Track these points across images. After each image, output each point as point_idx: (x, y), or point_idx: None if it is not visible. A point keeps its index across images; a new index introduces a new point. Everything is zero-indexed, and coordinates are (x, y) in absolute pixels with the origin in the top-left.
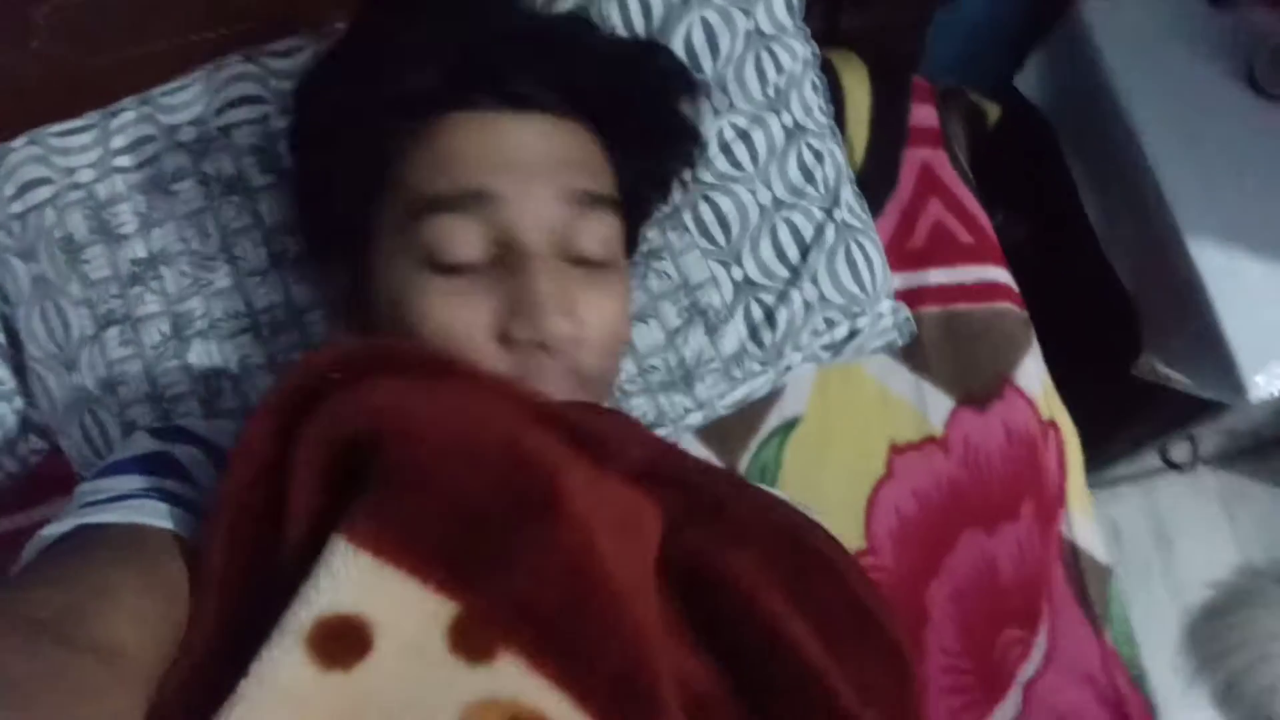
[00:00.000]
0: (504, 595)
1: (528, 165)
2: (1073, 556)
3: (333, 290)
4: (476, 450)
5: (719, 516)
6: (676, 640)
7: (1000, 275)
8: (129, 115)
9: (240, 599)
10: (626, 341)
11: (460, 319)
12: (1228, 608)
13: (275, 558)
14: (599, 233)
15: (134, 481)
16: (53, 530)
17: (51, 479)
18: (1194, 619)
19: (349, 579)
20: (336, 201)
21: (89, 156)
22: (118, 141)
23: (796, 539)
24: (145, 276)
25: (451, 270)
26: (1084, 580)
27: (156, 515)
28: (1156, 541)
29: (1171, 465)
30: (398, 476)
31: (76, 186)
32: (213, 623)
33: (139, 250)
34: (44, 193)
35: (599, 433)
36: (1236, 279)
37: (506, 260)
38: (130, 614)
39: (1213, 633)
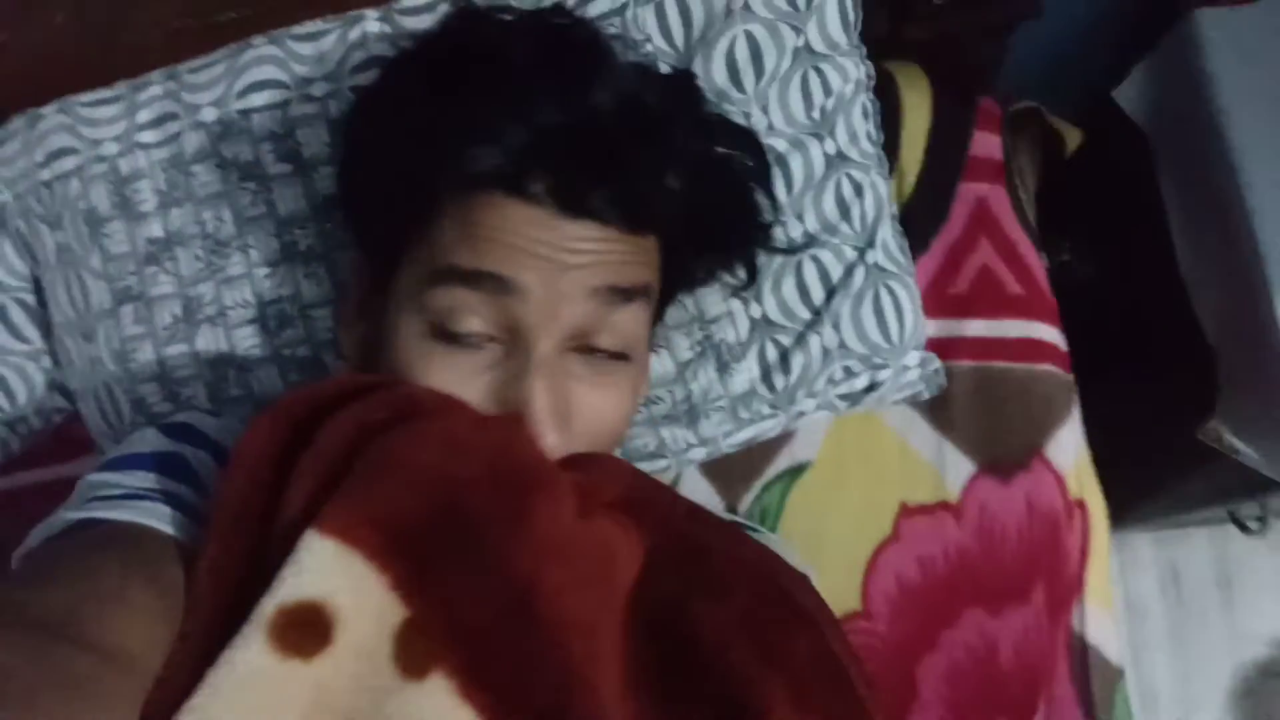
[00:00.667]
0: (446, 606)
1: (562, 263)
2: (1081, 652)
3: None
4: (466, 445)
5: (700, 563)
6: (642, 690)
7: (1048, 334)
8: (155, 90)
9: (235, 596)
10: (620, 431)
11: (455, 394)
12: None
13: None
14: (622, 328)
15: (144, 479)
16: (62, 517)
17: (76, 439)
18: (1249, 675)
19: (312, 564)
20: (367, 231)
21: (114, 129)
22: (143, 116)
23: (778, 591)
24: (161, 257)
25: (455, 341)
26: (1089, 679)
27: (164, 519)
28: (1219, 589)
29: (1240, 526)
30: (377, 461)
31: (101, 159)
32: (207, 619)
33: (156, 230)
34: (70, 163)
35: (585, 467)
36: None
37: (511, 350)
38: (133, 615)
39: (1267, 693)
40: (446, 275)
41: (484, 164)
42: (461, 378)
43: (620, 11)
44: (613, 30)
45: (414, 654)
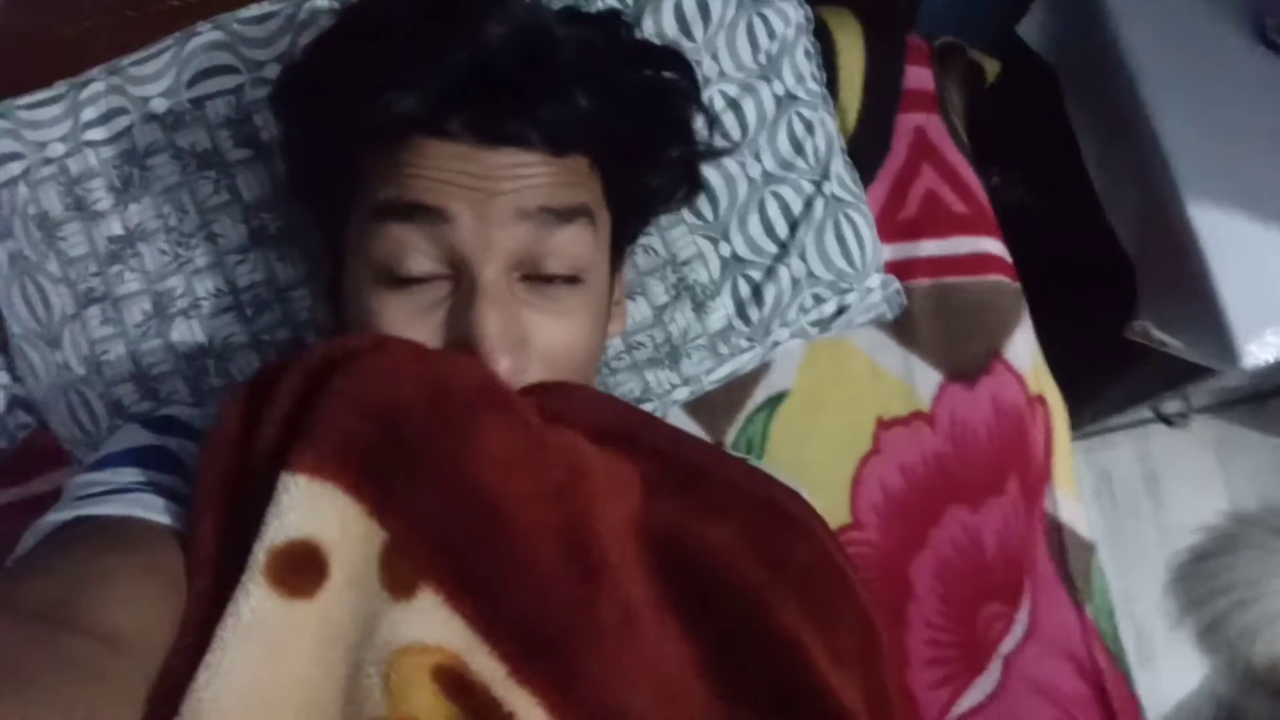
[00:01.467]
0: (419, 523)
1: (487, 189)
2: (1056, 532)
3: (311, 267)
4: (405, 372)
5: (696, 485)
6: (655, 617)
7: (994, 246)
8: (98, 86)
9: (231, 575)
10: (585, 358)
11: (408, 333)
12: (1214, 552)
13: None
14: (566, 250)
15: (130, 474)
16: (51, 519)
17: (42, 454)
18: (1181, 562)
19: (291, 503)
20: (316, 202)
21: (59, 130)
22: (88, 114)
23: (773, 505)
24: (124, 254)
25: (404, 284)
26: (1067, 556)
27: (152, 509)
28: (1148, 487)
29: (1164, 420)
30: (330, 398)
31: (48, 161)
32: (207, 601)
33: (116, 227)
34: (15, 168)
35: (563, 396)
36: (1235, 244)
37: (459, 283)
38: (127, 600)
39: (1198, 576)
40: (381, 214)
41: (399, 109)
42: (413, 316)
43: None
44: None
45: (399, 573)
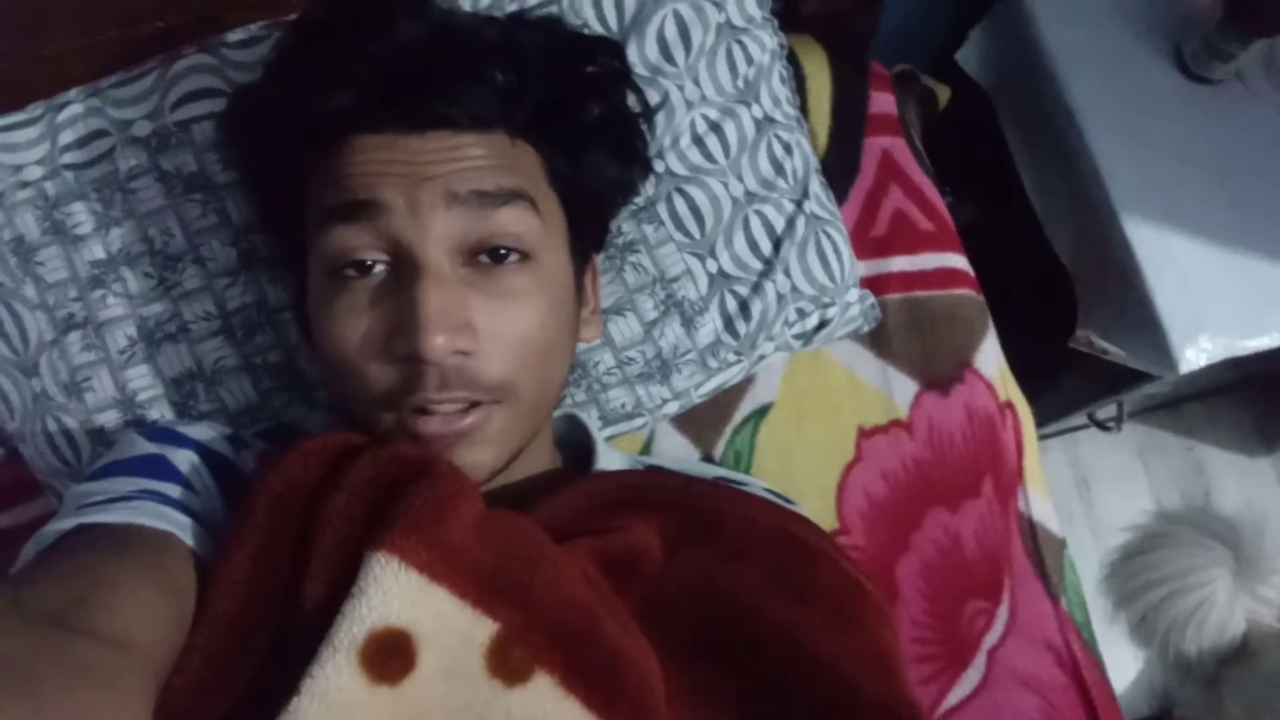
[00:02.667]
0: (535, 615)
1: (417, 174)
2: (1030, 530)
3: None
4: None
5: (714, 533)
6: (697, 663)
7: (959, 262)
8: (76, 109)
9: (257, 606)
10: (543, 349)
11: (354, 334)
12: (1143, 549)
13: (295, 575)
14: (507, 229)
15: (131, 483)
16: (53, 528)
17: (12, 487)
18: (1113, 561)
19: (399, 594)
20: (273, 218)
21: (35, 153)
22: (66, 137)
23: (787, 536)
24: (106, 279)
25: (352, 283)
26: (1041, 552)
27: (155, 517)
28: (1078, 490)
29: (1099, 425)
30: (435, 504)
31: (24, 185)
32: (225, 625)
33: (97, 251)
34: None
35: (566, 494)
36: (1168, 256)
37: (402, 274)
38: (134, 604)
39: (1129, 571)
40: (324, 220)
41: (328, 106)
42: (362, 309)
43: (560, 4)
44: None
45: (513, 661)
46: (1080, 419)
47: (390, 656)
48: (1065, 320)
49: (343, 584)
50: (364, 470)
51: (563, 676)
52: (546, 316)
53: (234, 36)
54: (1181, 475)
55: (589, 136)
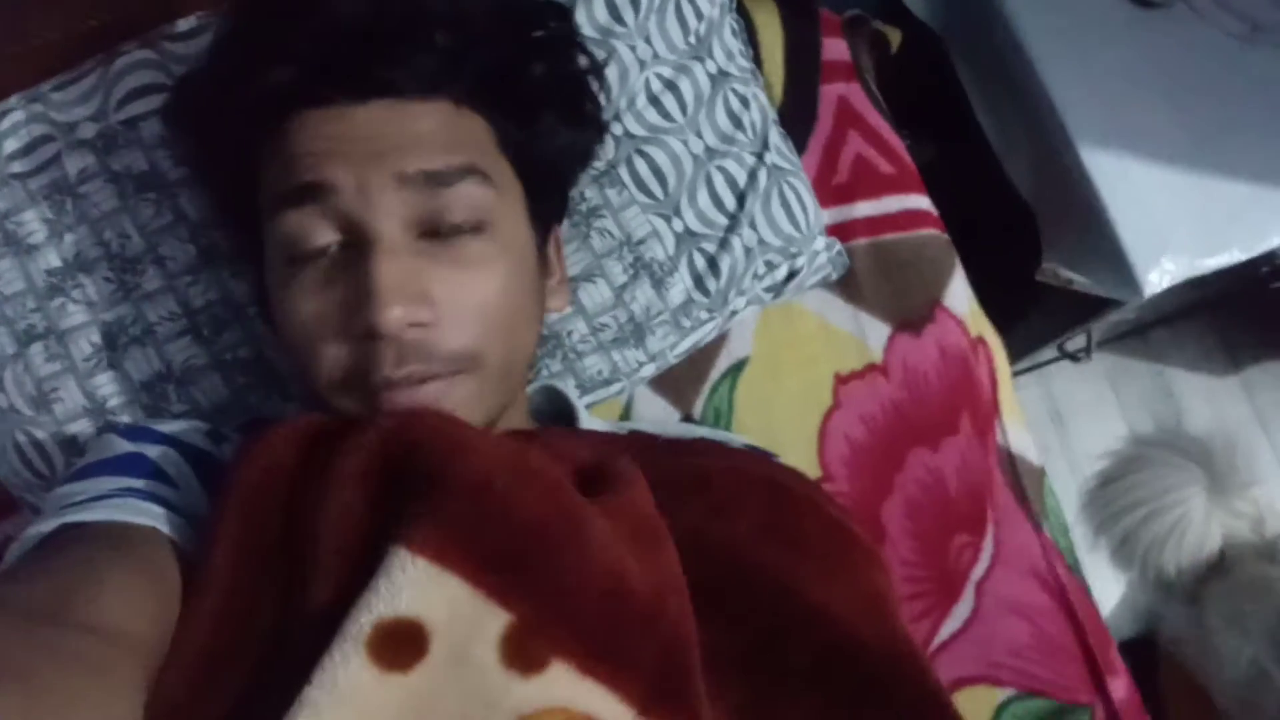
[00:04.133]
0: (552, 607)
1: (364, 152)
2: (1009, 461)
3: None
4: (526, 470)
5: (702, 488)
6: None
7: (922, 202)
8: (18, 115)
9: (246, 601)
10: (508, 314)
11: (309, 313)
12: (1119, 474)
13: (293, 568)
14: (461, 202)
15: (112, 482)
16: (36, 530)
17: None
18: (1090, 488)
19: (408, 583)
20: (227, 206)
21: None
22: (10, 145)
23: (773, 486)
24: (65, 286)
25: (307, 265)
26: (1021, 482)
27: (137, 513)
28: (1053, 423)
29: (1069, 356)
30: (455, 487)
31: None
32: (210, 620)
33: (53, 259)
34: None
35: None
36: (1126, 182)
37: (356, 251)
38: (122, 596)
39: (1106, 497)
40: (275, 204)
41: (272, 80)
42: (317, 287)
43: None
44: None
45: (528, 651)
46: (1050, 352)
47: (402, 645)
48: (1029, 254)
49: (353, 576)
50: (358, 457)
51: (580, 661)
52: (509, 283)
53: (175, 29)
54: (1152, 399)
55: (537, 100)
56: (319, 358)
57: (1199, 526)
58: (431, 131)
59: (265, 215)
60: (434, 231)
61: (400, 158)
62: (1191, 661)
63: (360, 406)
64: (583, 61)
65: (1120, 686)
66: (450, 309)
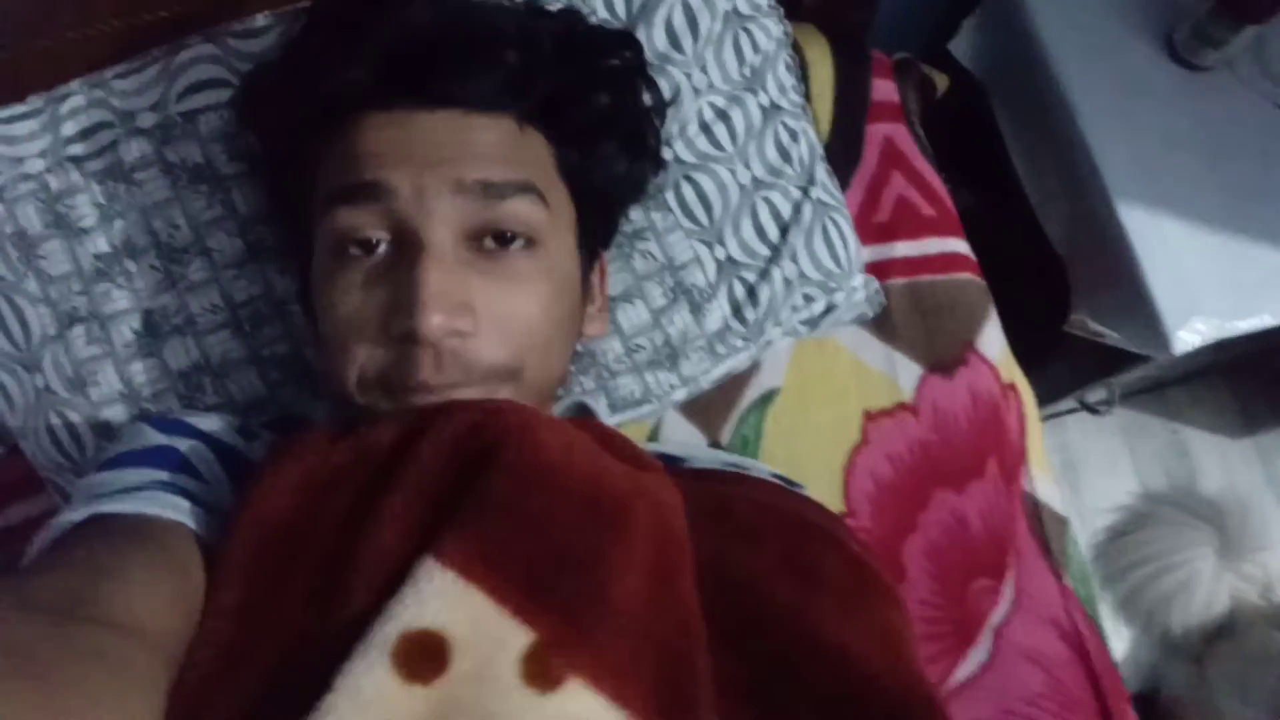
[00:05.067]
0: (575, 627)
1: (424, 157)
2: (1034, 509)
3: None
4: (564, 482)
5: (727, 516)
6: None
7: (960, 246)
8: (78, 100)
9: (263, 597)
10: (547, 333)
11: (351, 310)
12: (1129, 529)
13: (308, 561)
14: (514, 217)
15: (143, 474)
16: (66, 518)
17: (8, 484)
18: (1100, 541)
19: (434, 595)
20: (284, 200)
21: (37, 145)
22: (68, 128)
23: (795, 519)
24: (111, 272)
25: (355, 263)
26: (1045, 530)
27: (166, 507)
28: (1066, 474)
29: (1089, 408)
30: (489, 500)
31: (26, 178)
32: (233, 616)
33: (101, 244)
34: None
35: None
36: (1161, 240)
37: (404, 254)
38: (144, 592)
39: (1115, 551)
40: (331, 200)
41: (340, 81)
42: (362, 285)
43: None
44: (560, 3)
45: (548, 669)
46: (1068, 404)
47: (425, 657)
48: (1058, 304)
49: (384, 588)
50: (424, 455)
51: (594, 678)
52: (550, 302)
53: (239, 26)
54: (1166, 458)
55: (599, 128)
56: (354, 354)
57: (1207, 587)
58: (492, 145)
59: (318, 210)
60: (483, 243)
61: (459, 166)
62: None
63: (388, 405)
64: (648, 96)
65: None
66: (490, 322)
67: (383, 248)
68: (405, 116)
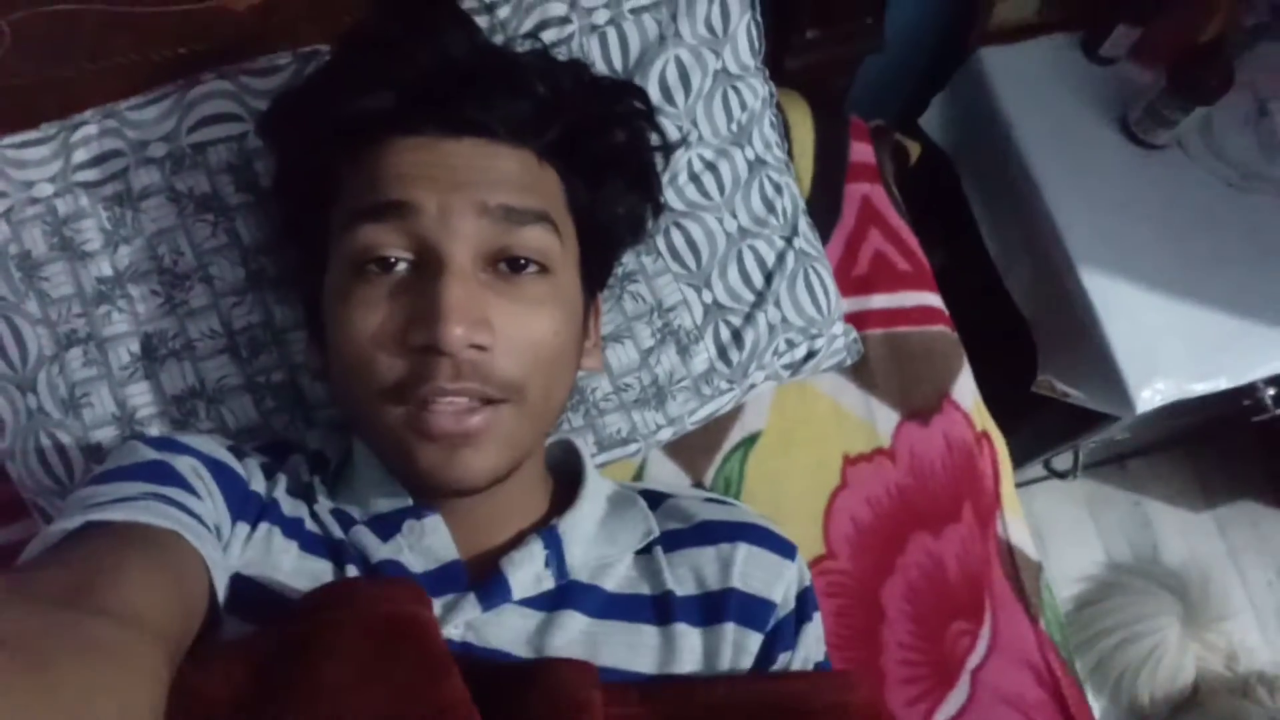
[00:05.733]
0: None
1: (450, 180)
2: (1009, 553)
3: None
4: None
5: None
6: None
7: (934, 300)
8: (91, 129)
9: None
10: (554, 358)
11: (372, 324)
12: (1095, 599)
13: None
14: (530, 244)
15: (136, 487)
16: (60, 526)
17: None
18: (1066, 611)
19: None
20: (300, 220)
21: (48, 170)
22: (79, 155)
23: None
24: (113, 295)
25: (374, 280)
26: (1020, 575)
27: (161, 516)
28: (1034, 543)
29: (1055, 474)
30: None
31: (34, 201)
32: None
33: (105, 268)
34: None
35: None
36: (1122, 306)
37: (425, 271)
38: (142, 587)
39: (1083, 621)
40: (353, 219)
41: (371, 104)
42: (381, 301)
43: (568, 40)
44: (563, 56)
45: None
46: (1035, 470)
47: None
48: (1024, 368)
49: None
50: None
51: None
52: (561, 327)
53: (254, 65)
54: (1129, 528)
55: (611, 165)
56: (374, 365)
57: (1174, 656)
58: (514, 173)
59: (339, 229)
60: (499, 267)
61: (483, 190)
62: None
63: (405, 418)
64: (655, 139)
65: None
66: (505, 339)
67: (401, 267)
68: (433, 142)
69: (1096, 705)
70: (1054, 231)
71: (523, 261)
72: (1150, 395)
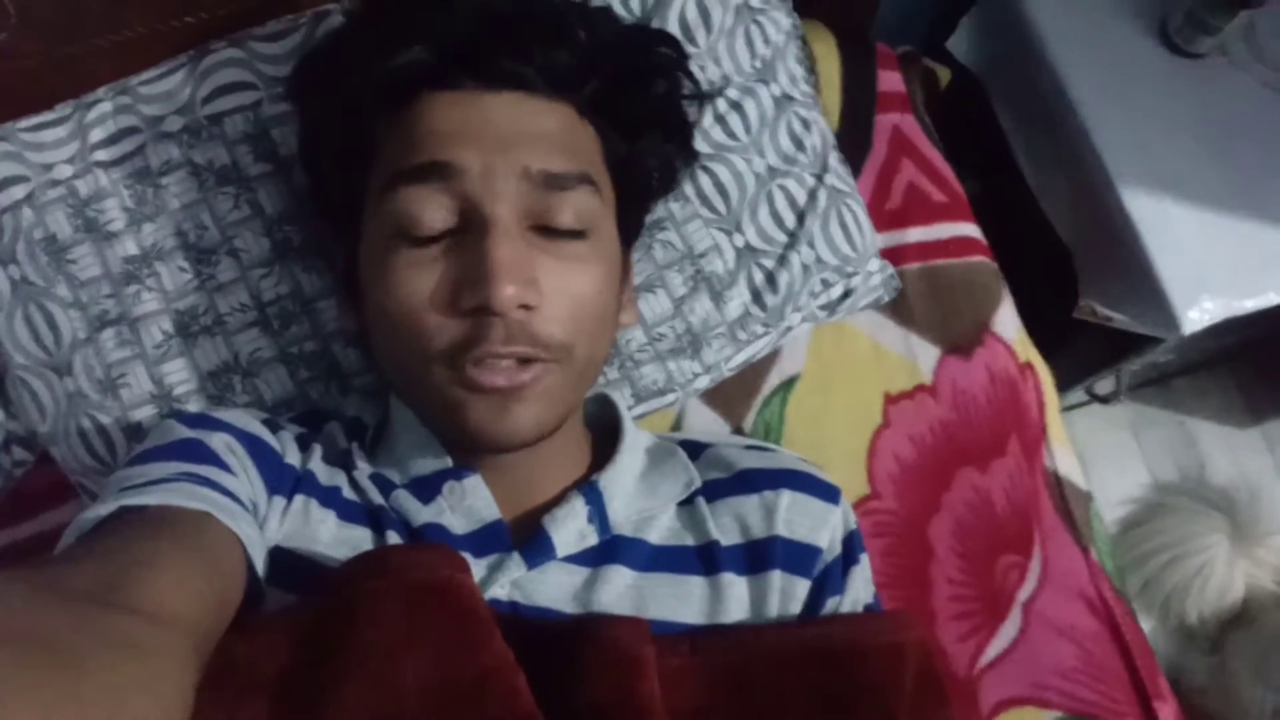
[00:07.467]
0: None
1: (493, 139)
2: (1057, 484)
3: (336, 275)
4: None
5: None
6: None
7: (972, 230)
8: (105, 107)
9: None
10: (599, 315)
11: (417, 288)
12: (1142, 520)
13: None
14: (570, 207)
15: (170, 467)
16: (94, 513)
17: (38, 494)
18: (1112, 534)
19: None
20: (332, 185)
21: (65, 151)
22: (96, 134)
23: (844, 673)
24: (140, 274)
25: (418, 242)
26: (1069, 505)
27: (193, 498)
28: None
29: (1098, 399)
30: None
31: (55, 183)
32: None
33: (130, 247)
34: (18, 191)
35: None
36: (1165, 224)
37: (469, 232)
38: (174, 580)
39: (1129, 543)
40: (394, 181)
41: (408, 60)
42: (425, 272)
43: None
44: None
45: None
46: (1077, 396)
47: None
48: (1064, 293)
49: None
50: None
51: None
52: (603, 283)
53: (263, 30)
54: (1175, 449)
55: (647, 117)
56: (424, 329)
57: (1222, 574)
58: (556, 132)
59: (377, 191)
60: (540, 229)
61: (527, 152)
62: (1213, 711)
63: (454, 379)
64: (688, 87)
65: (1168, 713)
66: (552, 298)
67: (445, 228)
68: (472, 97)
69: (1145, 625)
70: (1092, 150)
71: (564, 228)
72: (1198, 315)
